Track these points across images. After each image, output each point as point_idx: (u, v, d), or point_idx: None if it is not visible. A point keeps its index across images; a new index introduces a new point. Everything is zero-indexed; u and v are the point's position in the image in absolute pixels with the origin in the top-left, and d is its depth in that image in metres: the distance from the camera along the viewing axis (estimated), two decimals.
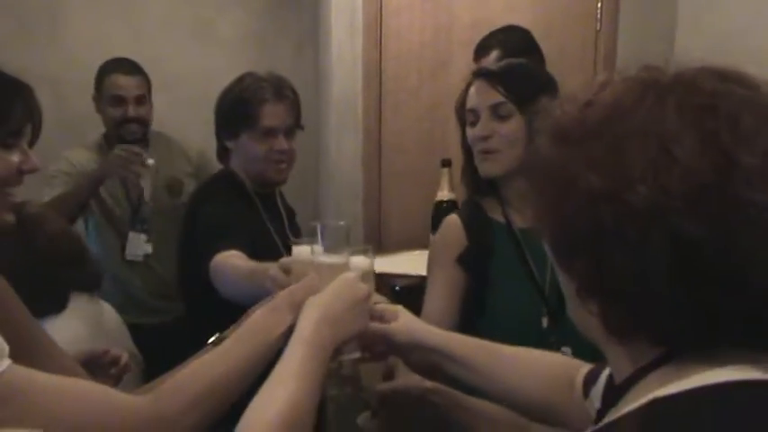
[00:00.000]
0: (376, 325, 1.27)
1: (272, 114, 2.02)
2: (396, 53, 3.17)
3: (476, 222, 1.70)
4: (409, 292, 2.75)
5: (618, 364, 0.78)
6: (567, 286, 0.79)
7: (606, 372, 1.02)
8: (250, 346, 1.06)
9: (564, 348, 1.57)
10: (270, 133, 2.02)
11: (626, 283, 0.70)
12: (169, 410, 0.96)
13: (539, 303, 1.64)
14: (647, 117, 0.70)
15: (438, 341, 1.27)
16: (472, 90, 1.67)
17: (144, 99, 2.79)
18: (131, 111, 2.74)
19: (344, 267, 1.23)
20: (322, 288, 1.14)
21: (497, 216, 1.71)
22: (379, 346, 1.30)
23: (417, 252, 2.17)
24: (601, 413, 0.82)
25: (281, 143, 2.04)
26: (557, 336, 1.60)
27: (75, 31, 3.46)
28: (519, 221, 1.68)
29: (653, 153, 0.68)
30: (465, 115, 1.68)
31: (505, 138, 1.60)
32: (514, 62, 1.78)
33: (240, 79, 2.09)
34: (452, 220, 1.74)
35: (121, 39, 3.33)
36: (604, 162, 0.70)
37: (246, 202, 2.05)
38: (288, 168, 2.09)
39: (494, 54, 2.55)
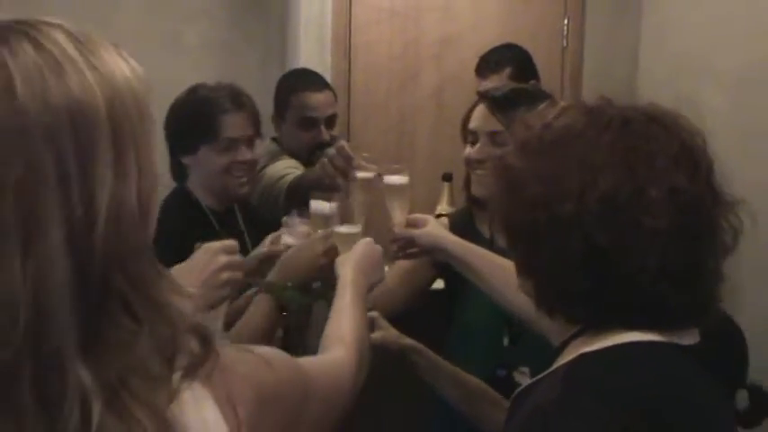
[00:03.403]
0: (403, 230, 1.59)
1: (232, 125, 1.92)
2: (364, 66, 3.18)
3: (462, 231, 1.74)
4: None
5: (548, 330, 1.02)
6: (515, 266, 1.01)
7: None
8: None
9: (522, 368, 1.61)
10: (231, 145, 1.92)
11: (550, 271, 0.92)
12: (355, 358, 1.10)
13: (501, 323, 1.68)
14: (584, 148, 0.90)
15: (453, 249, 1.52)
16: (476, 112, 1.73)
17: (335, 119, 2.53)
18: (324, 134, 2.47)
19: (359, 236, 1.51)
20: (342, 251, 1.45)
21: (484, 230, 1.77)
22: (410, 248, 1.60)
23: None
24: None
25: (243, 154, 1.94)
26: (516, 355, 1.65)
27: None
28: (501, 240, 1.71)
29: (581, 177, 0.88)
30: (467, 134, 1.75)
31: None
32: (521, 90, 1.83)
33: (192, 91, 1.98)
34: (442, 221, 1.85)
35: None
36: (545, 176, 0.91)
37: (202, 223, 1.93)
38: (250, 181, 2.00)
39: (507, 71, 2.59)
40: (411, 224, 1.59)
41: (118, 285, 0.62)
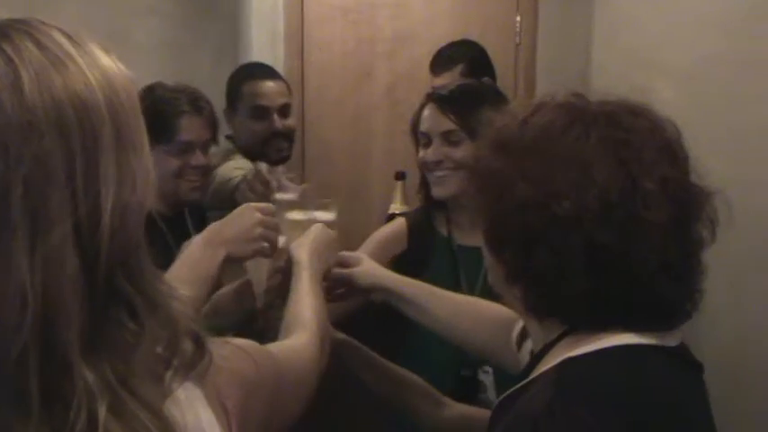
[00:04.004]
0: (339, 270, 1.44)
1: (189, 128, 1.89)
2: (318, 64, 3.15)
3: (420, 230, 1.75)
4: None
5: (535, 335, 0.97)
6: (496, 272, 0.96)
7: None
8: (189, 281, 1.23)
9: (486, 367, 1.60)
10: (187, 148, 1.89)
11: (547, 274, 0.87)
12: (317, 342, 1.11)
13: None
14: (573, 144, 0.86)
15: (396, 287, 1.44)
16: (425, 113, 1.70)
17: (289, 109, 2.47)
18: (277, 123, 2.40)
19: (311, 222, 1.45)
20: (291, 239, 1.40)
21: (442, 230, 1.75)
22: (340, 290, 1.46)
23: None
24: (525, 372, 0.95)
25: (197, 158, 1.91)
26: None
27: None
28: (460, 239, 1.73)
29: (575, 174, 0.84)
30: (419, 136, 1.72)
31: (457, 162, 1.64)
32: (468, 87, 1.81)
33: (150, 90, 1.92)
34: (400, 221, 1.83)
35: None
36: (535, 175, 0.86)
37: (149, 229, 1.87)
38: (202, 186, 1.96)
39: (460, 67, 2.58)
40: (343, 264, 1.45)
41: (121, 285, 0.63)
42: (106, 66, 0.66)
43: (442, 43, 2.79)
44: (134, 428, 0.60)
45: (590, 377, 0.84)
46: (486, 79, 2.35)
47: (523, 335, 1.21)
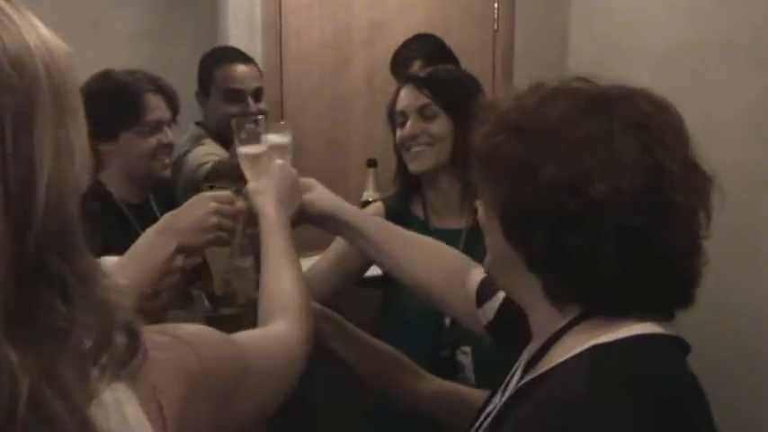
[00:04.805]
0: None
1: (156, 107, 1.89)
2: (296, 53, 3.15)
3: (398, 213, 1.76)
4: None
5: (544, 319, 0.93)
6: (504, 258, 0.94)
7: (502, 294, 1.17)
8: (137, 269, 1.23)
9: (464, 348, 1.63)
10: (157, 127, 1.89)
11: (578, 258, 0.85)
12: (301, 329, 1.07)
13: None
14: (597, 128, 0.85)
15: (350, 217, 1.37)
16: (401, 94, 1.76)
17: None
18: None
19: (267, 155, 1.39)
20: (251, 175, 1.36)
21: (419, 213, 1.79)
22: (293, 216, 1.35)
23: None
24: (536, 356, 0.92)
25: (167, 136, 1.92)
26: (458, 335, 1.65)
27: None
28: (436, 221, 1.77)
29: (603, 158, 0.83)
30: (396, 118, 1.76)
31: (433, 136, 1.70)
32: (441, 68, 1.90)
33: (106, 76, 1.91)
34: (377, 206, 1.85)
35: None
36: (562, 158, 0.84)
37: (114, 218, 1.86)
38: (170, 163, 1.98)
39: (417, 64, 2.58)
40: None
41: (54, 264, 0.59)
42: (46, 34, 0.62)
43: (418, 30, 2.80)
44: (50, 422, 0.55)
45: (626, 364, 0.83)
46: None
47: (483, 291, 1.21)
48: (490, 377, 1.34)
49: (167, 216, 1.33)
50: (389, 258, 1.35)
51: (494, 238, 0.95)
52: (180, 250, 1.30)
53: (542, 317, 0.93)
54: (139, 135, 1.88)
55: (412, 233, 1.40)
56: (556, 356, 0.88)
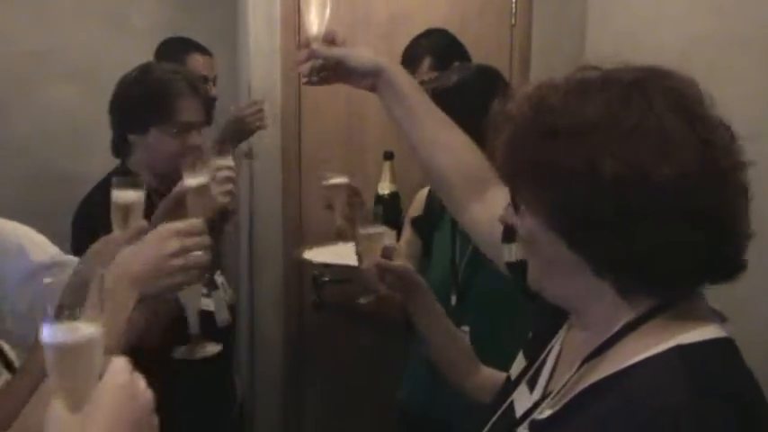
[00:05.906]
0: (329, 50, 1.33)
1: (187, 109, 1.92)
2: None
3: (433, 199, 1.98)
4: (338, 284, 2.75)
5: (607, 312, 0.89)
6: (565, 266, 0.90)
7: None
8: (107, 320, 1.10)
9: (463, 327, 1.70)
10: (184, 129, 1.92)
11: (654, 250, 0.82)
12: None
13: (450, 282, 1.87)
14: (641, 114, 0.83)
15: (393, 72, 1.34)
16: None
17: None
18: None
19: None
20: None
21: None
22: (324, 72, 1.35)
23: (341, 244, 2.17)
24: (600, 348, 0.89)
25: (194, 139, 1.94)
26: (459, 315, 1.76)
27: None
28: None
29: (655, 142, 0.82)
30: None
31: None
32: (460, 82, 1.92)
33: (146, 69, 1.96)
34: (424, 190, 2.12)
35: (30, 27, 3.19)
36: (616, 150, 0.82)
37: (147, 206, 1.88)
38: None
39: (426, 63, 2.55)
40: (336, 42, 1.35)
41: None
42: None
43: (438, 25, 2.80)
44: None
45: (721, 370, 0.83)
46: (456, 64, 2.33)
47: (509, 230, 1.14)
48: (485, 358, 1.43)
49: (122, 257, 1.13)
50: (420, 131, 1.32)
51: (548, 250, 0.91)
52: (142, 300, 1.11)
53: (605, 311, 0.90)
54: (167, 134, 1.91)
55: (448, 118, 1.38)
56: (630, 352, 0.86)
